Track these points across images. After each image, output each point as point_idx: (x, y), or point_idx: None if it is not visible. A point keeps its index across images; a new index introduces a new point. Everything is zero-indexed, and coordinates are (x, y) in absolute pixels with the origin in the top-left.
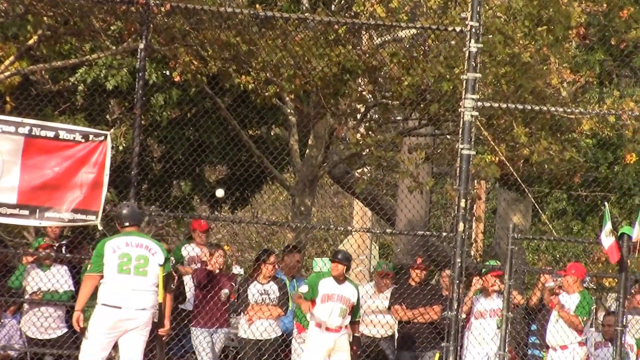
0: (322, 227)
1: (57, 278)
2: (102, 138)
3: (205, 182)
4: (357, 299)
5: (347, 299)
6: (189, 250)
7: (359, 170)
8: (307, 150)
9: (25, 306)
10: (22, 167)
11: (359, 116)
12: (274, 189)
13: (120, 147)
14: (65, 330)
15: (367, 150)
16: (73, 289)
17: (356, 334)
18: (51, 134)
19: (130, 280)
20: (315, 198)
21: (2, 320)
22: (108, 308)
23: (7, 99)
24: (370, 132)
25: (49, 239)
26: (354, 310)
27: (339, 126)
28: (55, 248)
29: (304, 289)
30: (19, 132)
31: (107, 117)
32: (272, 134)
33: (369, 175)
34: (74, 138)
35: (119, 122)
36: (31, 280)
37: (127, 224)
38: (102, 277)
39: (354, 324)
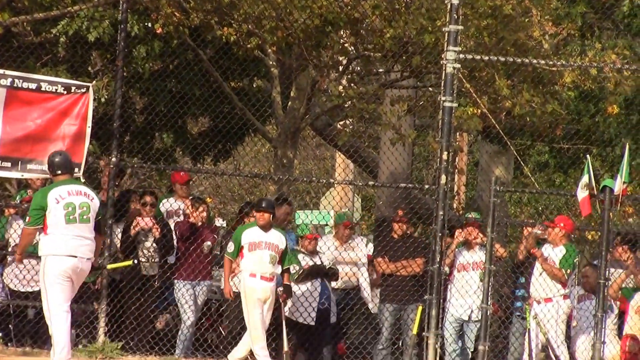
0: (305, 179)
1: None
2: (84, 90)
3: (187, 134)
4: (285, 246)
5: (276, 245)
6: (168, 206)
7: (341, 123)
8: (290, 102)
9: (8, 258)
10: (3, 119)
11: (341, 68)
12: (256, 141)
13: (102, 99)
14: None
15: (349, 102)
16: None
17: (286, 282)
18: (33, 85)
19: (78, 228)
20: (298, 150)
21: None
22: (62, 257)
23: None
24: (352, 84)
25: (32, 191)
26: (283, 257)
27: (321, 78)
28: None
29: (230, 247)
30: (1, 84)
31: (89, 69)
32: (254, 86)
33: (351, 127)
34: (56, 90)
35: (101, 74)
36: (14, 232)
37: (59, 172)
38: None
39: (284, 272)
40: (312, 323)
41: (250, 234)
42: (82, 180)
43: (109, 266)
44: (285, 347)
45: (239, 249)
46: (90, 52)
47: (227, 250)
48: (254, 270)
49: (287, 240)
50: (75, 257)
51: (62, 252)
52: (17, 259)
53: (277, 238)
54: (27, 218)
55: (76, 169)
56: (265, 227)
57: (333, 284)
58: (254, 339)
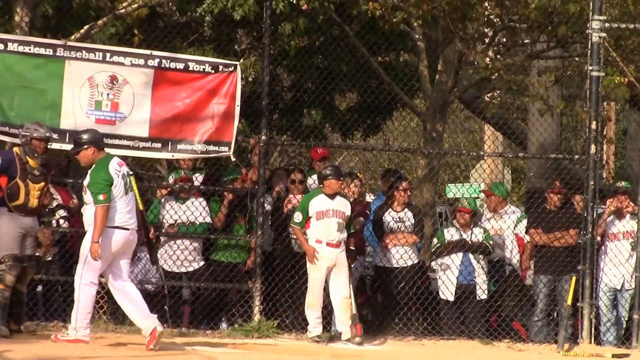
0: (454, 152)
1: (192, 210)
2: (231, 69)
3: (336, 110)
4: (350, 212)
5: (342, 212)
6: (311, 182)
7: (489, 95)
8: (437, 76)
9: (161, 240)
10: (152, 99)
11: (487, 40)
12: (404, 115)
13: (250, 78)
14: (202, 263)
15: (497, 74)
16: (210, 220)
17: (351, 247)
18: (181, 65)
19: (130, 199)
20: (446, 123)
21: (138, 255)
22: (119, 230)
23: (135, 31)
24: (498, 56)
25: (185, 172)
26: (348, 223)
27: (467, 51)
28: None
29: (298, 217)
30: (149, 65)
31: (236, 47)
32: (401, 60)
33: (499, 99)
34: (204, 69)
35: (247, 52)
36: (166, 213)
37: (103, 146)
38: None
39: (348, 237)
40: (451, 298)
41: (318, 203)
42: (233, 158)
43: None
44: (354, 310)
45: (306, 218)
46: (236, 31)
47: (295, 220)
48: (320, 237)
49: (351, 206)
50: (128, 229)
51: (120, 223)
52: (95, 240)
53: (343, 205)
54: (102, 195)
55: (226, 148)
56: (332, 195)
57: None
58: (310, 303)
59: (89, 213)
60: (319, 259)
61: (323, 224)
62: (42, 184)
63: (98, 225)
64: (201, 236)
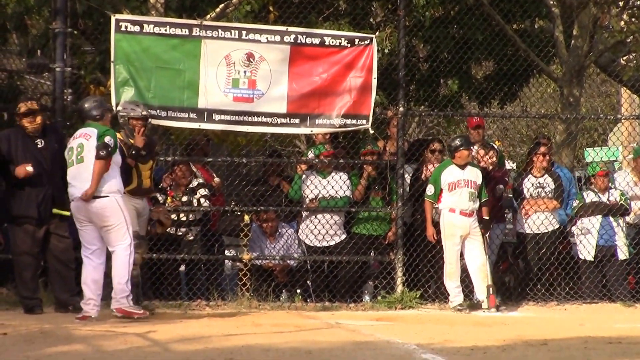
0: (592, 116)
1: (332, 184)
2: (367, 42)
3: (472, 79)
4: (481, 181)
5: (474, 182)
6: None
7: (625, 58)
8: (572, 41)
9: (303, 214)
10: (290, 75)
11: (621, 3)
12: (541, 81)
13: (386, 50)
14: (344, 236)
15: (632, 36)
16: (350, 194)
17: (485, 217)
18: (317, 40)
19: (71, 170)
20: (583, 88)
21: (279, 231)
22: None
23: (270, 8)
24: (633, 19)
25: (328, 147)
26: (480, 192)
27: (602, 15)
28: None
29: (430, 190)
30: (285, 41)
31: (371, 20)
32: (536, 26)
33: (634, 62)
34: (340, 43)
35: (382, 24)
36: (306, 188)
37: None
38: None
39: (482, 205)
40: (590, 259)
41: (449, 174)
42: (372, 131)
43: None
44: (489, 281)
45: (439, 191)
46: (371, 4)
47: (427, 194)
48: (453, 206)
49: (482, 174)
50: (72, 200)
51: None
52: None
53: (474, 175)
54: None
55: (364, 121)
56: (463, 165)
57: (627, 219)
58: (448, 274)
59: None
60: (447, 232)
61: (455, 194)
62: (150, 162)
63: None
64: (342, 210)
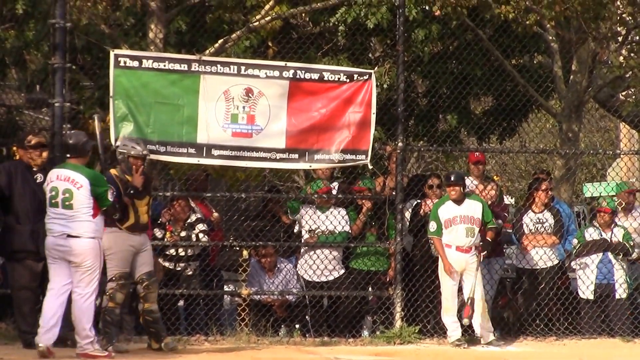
0: (591, 151)
1: (331, 219)
2: (366, 77)
3: (471, 114)
4: (482, 211)
5: (470, 217)
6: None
7: (624, 93)
8: (571, 76)
9: (301, 250)
10: (288, 110)
11: (620, 39)
12: (540, 116)
13: (385, 85)
14: (343, 271)
15: (631, 72)
16: (349, 229)
17: (487, 239)
18: (316, 75)
19: (55, 210)
20: (582, 123)
21: (278, 266)
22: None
23: (270, 43)
24: (632, 54)
25: (326, 182)
26: (484, 219)
27: (601, 50)
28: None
29: (432, 226)
30: (284, 76)
31: (370, 55)
32: (535, 62)
33: (634, 97)
34: (339, 78)
35: (381, 59)
36: (305, 223)
37: (68, 155)
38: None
39: (488, 230)
40: (590, 297)
41: (445, 211)
42: (370, 166)
43: None
44: (473, 296)
45: (441, 225)
46: (369, 39)
47: (430, 230)
48: (449, 241)
49: (483, 204)
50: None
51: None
52: None
53: (472, 209)
54: None
55: (363, 156)
56: (459, 200)
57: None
58: (445, 309)
59: None
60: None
61: (452, 231)
62: (147, 198)
63: None
64: (341, 245)
